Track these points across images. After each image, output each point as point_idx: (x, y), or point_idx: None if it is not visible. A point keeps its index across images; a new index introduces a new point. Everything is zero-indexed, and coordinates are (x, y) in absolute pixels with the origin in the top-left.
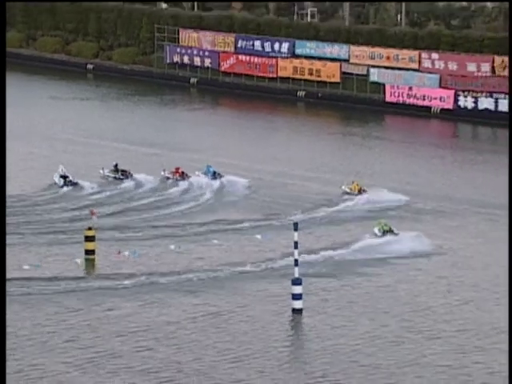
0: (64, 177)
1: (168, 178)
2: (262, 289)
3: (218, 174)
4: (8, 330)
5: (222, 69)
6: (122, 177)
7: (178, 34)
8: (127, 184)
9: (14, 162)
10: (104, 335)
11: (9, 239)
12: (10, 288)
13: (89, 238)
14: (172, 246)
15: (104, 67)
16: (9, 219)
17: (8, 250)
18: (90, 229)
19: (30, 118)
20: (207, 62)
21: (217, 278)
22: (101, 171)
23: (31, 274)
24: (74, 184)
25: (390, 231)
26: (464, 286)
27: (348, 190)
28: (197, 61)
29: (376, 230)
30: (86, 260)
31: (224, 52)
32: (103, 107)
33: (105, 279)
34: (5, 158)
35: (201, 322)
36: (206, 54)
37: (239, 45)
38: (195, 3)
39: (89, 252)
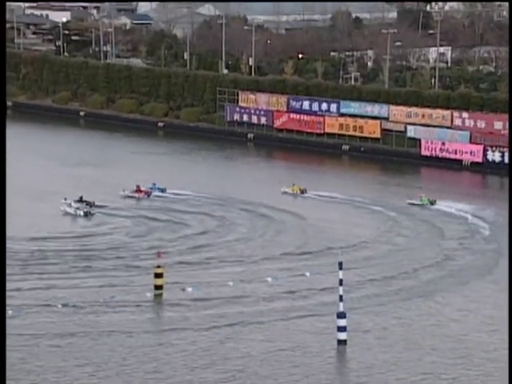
0: (75, 206)
1: (130, 197)
2: (318, 325)
3: (164, 189)
4: (95, 360)
5: (276, 126)
6: (86, 207)
7: (237, 96)
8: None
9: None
10: (180, 368)
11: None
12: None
13: (158, 275)
14: (231, 283)
15: (173, 125)
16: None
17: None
18: (158, 267)
19: (112, 170)
20: (263, 119)
21: (276, 314)
22: (62, 201)
23: (110, 308)
24: (92, 215)
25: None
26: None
27: (290, 191)
28: (253, 119)
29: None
30: (156, 295)
31: (277, 111)
32: (174, 160)
33: (174, 313)
34: (5, 162)
35: (266, 357)
36: (262, 112)
37: (291, 105)
38: (252, 69)
39: (158, 287)
